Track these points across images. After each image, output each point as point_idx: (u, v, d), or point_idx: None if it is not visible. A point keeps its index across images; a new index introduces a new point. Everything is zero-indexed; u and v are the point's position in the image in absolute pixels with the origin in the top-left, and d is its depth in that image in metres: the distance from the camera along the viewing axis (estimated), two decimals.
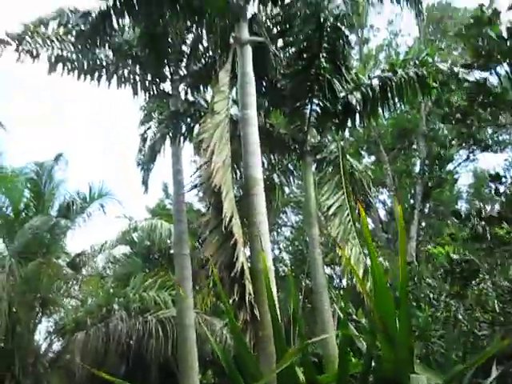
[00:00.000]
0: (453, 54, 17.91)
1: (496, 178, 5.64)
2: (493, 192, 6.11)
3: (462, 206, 27.38)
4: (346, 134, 21.67)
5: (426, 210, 24.85)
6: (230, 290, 7.85)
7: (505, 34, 5.60)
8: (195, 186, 8.68)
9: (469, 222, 5.79)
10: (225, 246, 7.88)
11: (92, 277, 18.29)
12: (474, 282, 6.04)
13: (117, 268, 20.40)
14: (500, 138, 21.89)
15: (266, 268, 7.52)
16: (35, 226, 15.47)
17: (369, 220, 23.10)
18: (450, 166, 24.63)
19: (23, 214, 17.32)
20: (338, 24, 11.28)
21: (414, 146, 23.99)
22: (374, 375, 2.03)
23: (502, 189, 5.68)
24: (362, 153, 24.80)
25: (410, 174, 23.67)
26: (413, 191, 23.65)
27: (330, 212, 11.15)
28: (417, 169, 24.37)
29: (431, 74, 11.35)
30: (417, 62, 11.66)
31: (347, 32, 11.62)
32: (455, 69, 10.64)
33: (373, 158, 25.05)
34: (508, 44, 5.22)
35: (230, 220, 7.79)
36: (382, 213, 25.68)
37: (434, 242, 24.03)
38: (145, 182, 14.53)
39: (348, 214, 11.09)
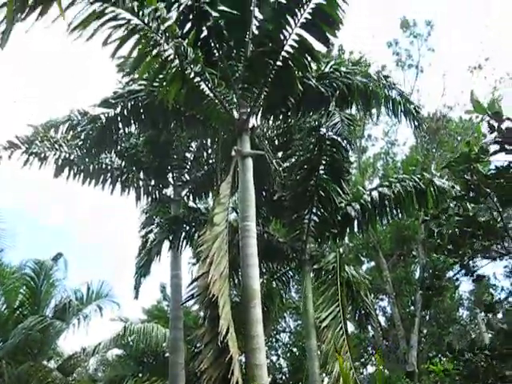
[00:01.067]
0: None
1: (489, 308, 5.64)
2: (485, 325, 6.11)
3: (463, 313, 27.03)
4: (346, 239, 21.81)
5: (427, 318, 24.45)
6: None
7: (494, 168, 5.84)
8: (192, 297, 8.63)
9: (463, 357, 5.71)
10: (220, 360, 7.72)
11: (82, 380, 17.74)
12: None
13: (109, 371, 19.85)
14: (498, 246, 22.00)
15: None
16: (29, 326, 15.23)
17: (368, 327, 22.71)
18: (449, 273, 24.51)
19: (18, 311, 17.12)
20: (337, 138, 11.72)
21: (414, 253, 24.01)
22: None
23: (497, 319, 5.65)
24: (362, 258, 24.84)
25: (409, 281, 23.51)
26: (413, 298, 23.41)
27: (324, 324, 11.05)
28: (417, 275, 24.28)
29: (428, 187, 11.66)
30: (414, 177, 11.98)
31: (345, 145, 12.02)
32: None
33: (373, 263, 25.00)
34: (496, 180, 5.43)
35: (226, 334, 7.69)
36: (382, 319, 25.28)
37: (436, 351, 23.57)
38: (136, 288, 14.40)
39: (341, 328, 10.99)
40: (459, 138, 24.16)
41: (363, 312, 13.22)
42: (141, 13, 8.52)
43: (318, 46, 10.16)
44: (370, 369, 26.84)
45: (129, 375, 17.41)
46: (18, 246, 17.11)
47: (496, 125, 5.45)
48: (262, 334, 8.79)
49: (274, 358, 25.25)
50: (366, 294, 13.28)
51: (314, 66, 10.83)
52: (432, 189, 11.69)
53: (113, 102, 11.74)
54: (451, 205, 8.76)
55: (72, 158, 13.51)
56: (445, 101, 25.81)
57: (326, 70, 11.67)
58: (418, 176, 12.01)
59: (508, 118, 5.35)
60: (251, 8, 9.98)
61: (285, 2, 9.47)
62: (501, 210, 6.09)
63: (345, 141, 11.80)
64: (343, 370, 8.99)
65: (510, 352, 5.81)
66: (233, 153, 10.13)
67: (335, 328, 10.96)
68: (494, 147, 5.61)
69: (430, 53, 26.45)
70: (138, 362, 20.37)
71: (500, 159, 5.76)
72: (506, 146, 5.45)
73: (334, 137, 11.74)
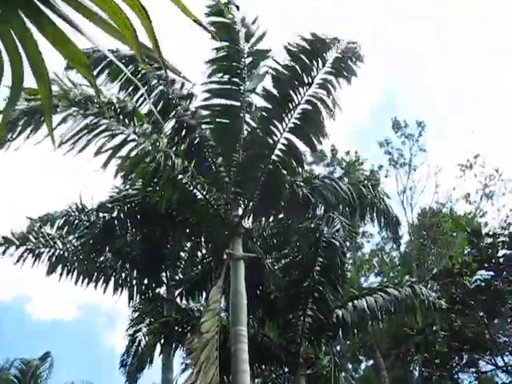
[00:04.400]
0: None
1: None
2: None
3: None
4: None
5: None
6: None
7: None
8: None
9: None
10: None
11: None
12: None
13: None
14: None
15: None
16: None
17: None
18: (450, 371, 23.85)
19: None
20: (334, 241, 11.81)
21: (412, 351, 23.47)
22: None
23: None
24: (360, 357, 24.27)
25: (408, 382, 22.83)
26: None
27: None
28: (416, 374, 23.60)
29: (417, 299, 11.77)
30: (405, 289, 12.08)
31: (343, 250, 12.08)
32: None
33: (371, 361, 24.39)
34: (479, 296, 5.48)
35: None
36: None
37: None
38: None
39: None
40: (454, 234, 24.32)
41: None
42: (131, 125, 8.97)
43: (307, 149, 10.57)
44: None
45: None
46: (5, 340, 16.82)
47: (476, 241, 5.57)
48: None
49: None
50: None
51: (304, 171, 11.17)
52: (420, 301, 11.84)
53: (110, 206, 11.95)
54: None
55: (66, 255, 13.42)
56: (437, 198, 26.28)
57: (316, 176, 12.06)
58: (409, 288, 12.12)
59: (487, 234, 5.47)
60: (241, 115, 10.37)
61: (273, 107, 9.88)
62: (487, 322, 6.11)
63: (343, 246, 11.89)
64: None
65: None
66: (224, 256, 10.16)
67: None
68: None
69: (422, 152, 27.27)
70: None
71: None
72: (484, 264, 5.53)
73: (332, 240, 11.82)
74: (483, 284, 5.48)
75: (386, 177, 26.26)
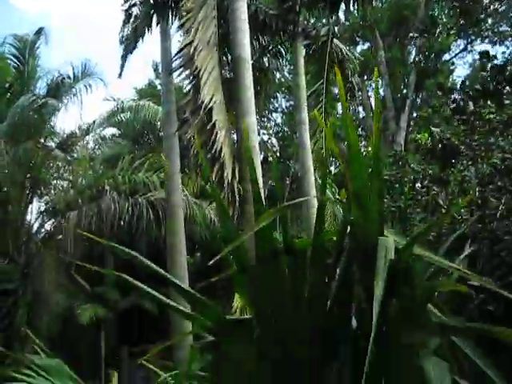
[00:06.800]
0: None
1: (485, 56, 5.53)
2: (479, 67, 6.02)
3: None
4: (342, 18, 21.05)
5: (419, 101, 24.52)
6: (210, 171, 7.76)
7: None
8: (180, 67, 8.40)
9: (451, 96, 5.76)
10: (204, 128, 7.75)
11: (81, 159, 17.86)
12: (454, 163, 6.04)
13: (105, 149, 20.12)
14: (500, 28, 21.15)
15: (249, 144, 7.41)
16: (22, 106, 14.95)
17: (359, 108, 23.02)
18: (446, 56, 24.12)
19: (8, 93, 16.89)
20: None
21: (411, 34, 23.28)
22: (349, 241, 2.00)
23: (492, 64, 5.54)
24: (357, 39, 24.13)
25: (404, 63, 23.14)
26: (406, 80, 23.29)
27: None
28: (412, 57, 23.84)
29: None
30: None
31: None
32: None
33: (368, 44, 24.38)
34: None
35: (210, 101, 7.61)
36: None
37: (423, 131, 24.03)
38: (122, 65, 13.89)
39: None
40: None
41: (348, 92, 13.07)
42: None
43: None
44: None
45: (126, 152, 17.66)
46: None
47: None
48: (251, 98, 8.60)
49: (266, 137, 25.75)
50: (353, 73, 13.16)
51: None
52: None
53: None
54: None
55: None
56: None
57: None
58: None
59: None
60: None
61: None
62: None
63: None
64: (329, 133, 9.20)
65: None
66: None
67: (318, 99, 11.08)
68: None
69: None
70: (133, 140, 20.75)
71: None
72: None
73: None
74: None
75: None
